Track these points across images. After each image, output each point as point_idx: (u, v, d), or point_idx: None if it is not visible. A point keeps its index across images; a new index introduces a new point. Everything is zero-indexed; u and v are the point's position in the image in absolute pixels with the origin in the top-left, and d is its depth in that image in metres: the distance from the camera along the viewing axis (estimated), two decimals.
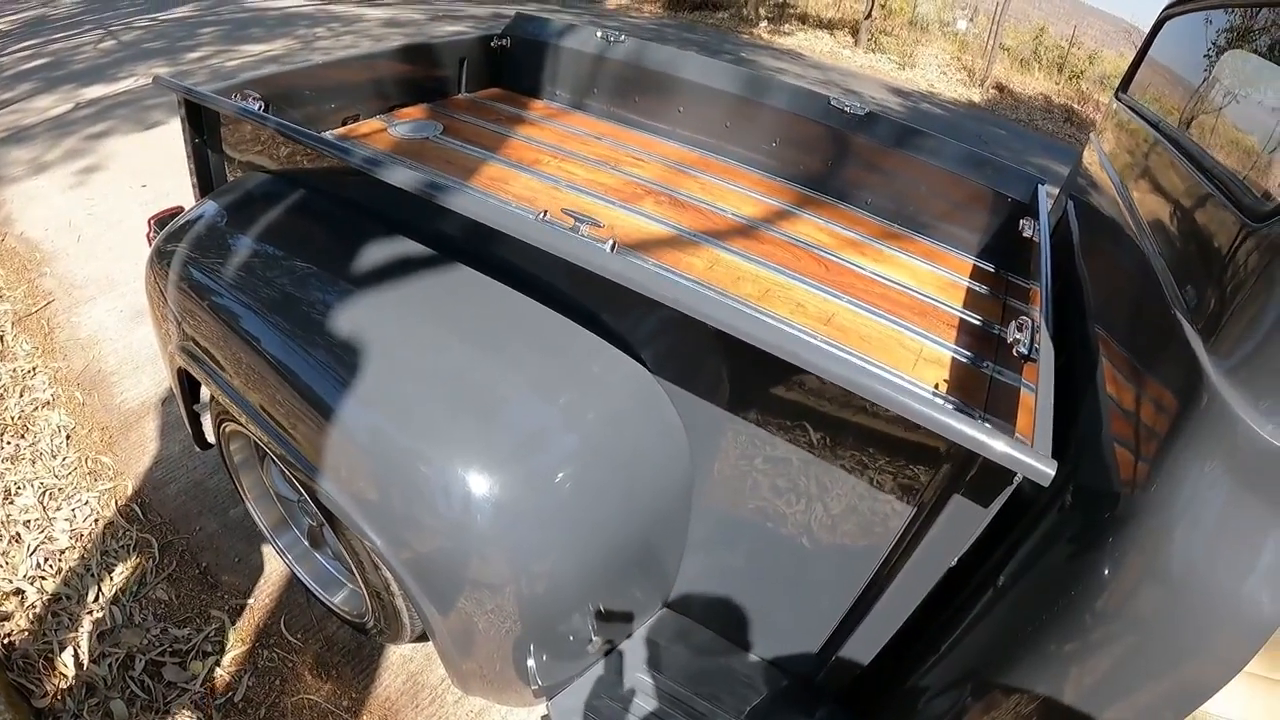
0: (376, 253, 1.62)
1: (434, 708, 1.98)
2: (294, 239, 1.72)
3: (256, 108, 1.86)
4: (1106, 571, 0.95)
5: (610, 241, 1.43)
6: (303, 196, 1.81)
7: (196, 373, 1.72)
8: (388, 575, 1.54)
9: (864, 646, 1.47)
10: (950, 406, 1.60)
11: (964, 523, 1.19)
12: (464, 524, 1.27)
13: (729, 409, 1.40)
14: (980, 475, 1.13)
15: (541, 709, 1.59)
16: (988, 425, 1.05)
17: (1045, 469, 1.00)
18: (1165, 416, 0.97)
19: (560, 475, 1.33)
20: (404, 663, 2.08)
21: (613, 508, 1.39)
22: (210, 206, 1.86)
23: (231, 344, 1.59)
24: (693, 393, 1.43)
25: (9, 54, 6.98)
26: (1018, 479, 1.08)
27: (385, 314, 1.49)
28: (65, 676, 1.94)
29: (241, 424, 1.68)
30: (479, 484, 1.26)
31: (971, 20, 15.03)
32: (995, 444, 1.03)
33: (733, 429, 1.41)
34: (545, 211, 1.52)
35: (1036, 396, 1.19)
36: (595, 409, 1.40)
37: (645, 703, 1.59)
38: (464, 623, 1.38)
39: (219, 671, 2.01)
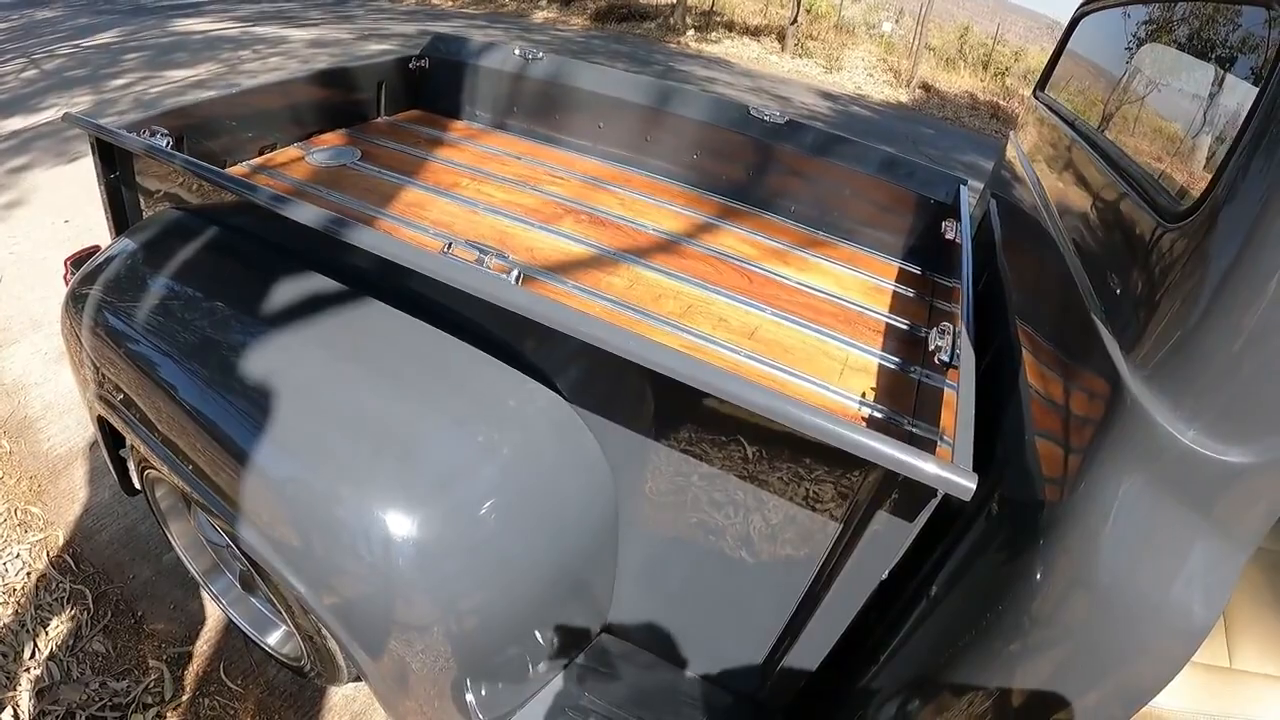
0: (290, 291, 1.60)
1: None
2: (208, 279, 1.69)
3: (165, 143, 1.83)
4: (1038, 577, 0.95)
5: (515, 273, 1.43)
6: (217, 233, 1.77)
7: (114, 420, 1.69)
8: (316, 620, 1.52)
9: (804, 661, 1.48)
10: (878, 414, 1.64)
11: (892, 537, 1.20)
12: (386, 566, 1.26)
13: (648, 434, 1.40)
14: (903, 490, 1.14)
15: None
16: (904, 444, 1.05)
17: (966, 483, 1.00)
18: (1086, 422, 0.97)
19: (481, 510, 1.32)
20: (346, 703, 2.06)
21: (537, 539, 1.39)
22: (124, 246, 1.81)
23: (147, 390, 1.56)
24: (611, 419, 1.43)
25: None
26: (941, 493, 1.08)
27: (300, 354, 1.47)
28: None
29: (161, 472, 1.65)
30: (399, 525, 1.25)
31: (897, 22, 15.30)
32: (913, 461, 1.03)
33: (654, 453, 1.41)
34: (450, 245, 1.51)
35: (957, 407, 1.20)
36: (513, 441, 1.40)
37: None
38: (396, 664, 1.37)
39: None
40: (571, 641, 1.65)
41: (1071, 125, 1.79)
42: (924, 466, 1.03)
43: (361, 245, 1.39)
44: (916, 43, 12.38)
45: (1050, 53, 2.57)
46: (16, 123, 5.97)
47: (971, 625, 1.08)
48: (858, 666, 1.45)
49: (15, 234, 4.32)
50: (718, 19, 15.02)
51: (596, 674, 1.68)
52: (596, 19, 14.39)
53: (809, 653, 1.45)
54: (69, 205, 4.64)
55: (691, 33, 13.80)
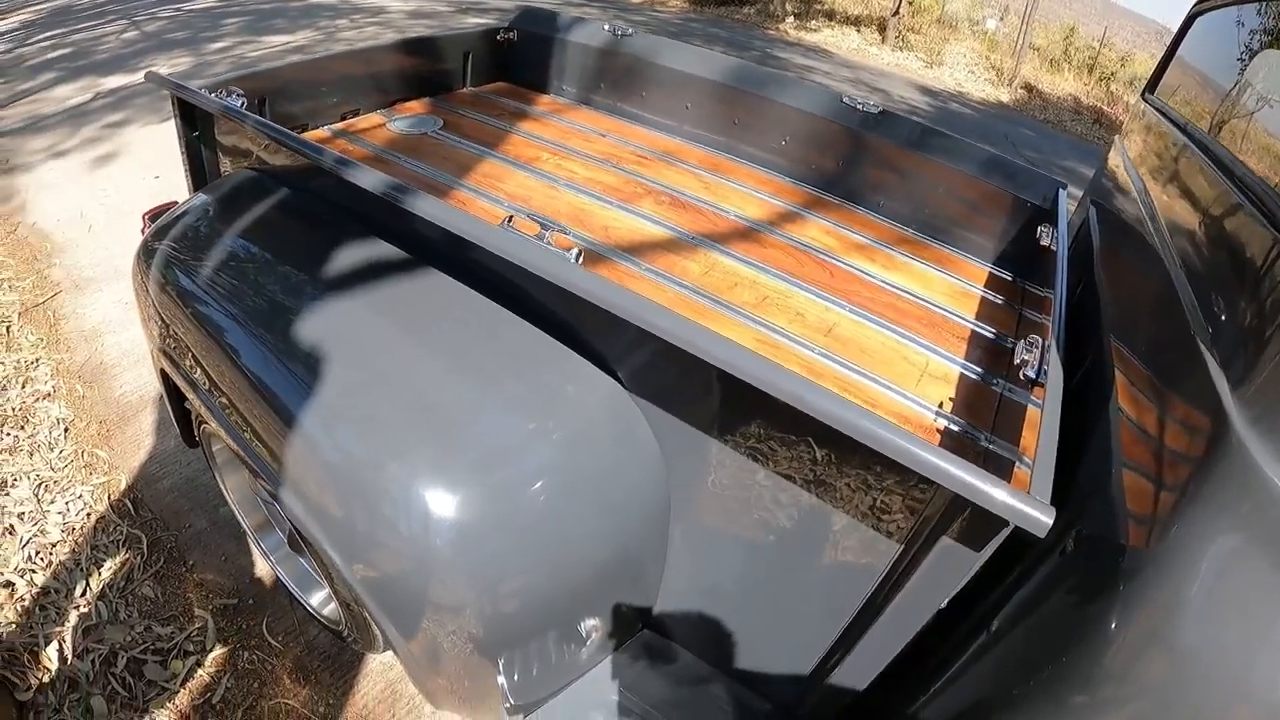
0: (352, 256, 1.57)
1: (410, 718, 1.95)
2: (274, 240, 1.68)
3: (240, 104, 1.83)
4: (1113, 627, 0.85)
5: (576, 251, 1.36)
6: (287, 195, 1.77)
7: (171, 372, 1.69)
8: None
9: (849, 682, 1.39)
10: (955, 427, 1.54)
11: (954, 565, 1.10)
12: (424, 544, 1.21)
13: (707, 430, 1.33)
14: (973, 516, 1.04)
15: None
16: (978, 468, 0.95)
17: (1042, 518, 0.90)
18: (1183, 461, 0.86)
19: (527, 494, 1.27)
20: (384, 670, 2.05)
21: (583, 528, 1.34)
22: (197, 203, 1.84)
23: (204, 347, 1.56)
24: (670, 412, 1.37)
25: (33, 43, 7.03)
26: (1013, 525, 0.98)
27: (357, 322, 1.44)
28: (49, 671, 1.93)
29: (214, 429, 1.65)
30: (441, 503, 1.20)
31: (1001, 19, 14.78)
32: (985, 488, 0.93)
33: (711, 451, 1.34)
34: (510, 218, 1.45)
35: (1040, 430, 1.09)
36: (567, 426, 1.34)
37: None
38: (428, 642, 1.34)
39: (199, 671, 1.98)
40: (611, 635, 1.59)
41: (1184, 130, 1.67)
42: (997, 495, 0.92)
43: (419, 213, 1.35)
44: (1020, 41, 11.93)
45: (1161, 54, 2.48)
46: (116, 81, 6.16)
47: (1034, 670, 0.97)
48: (907, 694, 1.35)
49: (107, 187, 4.46)
50: (818, 6, 14.72)
51: (633, 669, 1.62)
52: (695, 1, 14.22)
53: (857, 673, 1.36)
54: (161, 162, 4.77)
55: (791, 20, 13.54)
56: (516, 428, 1.32)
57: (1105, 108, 11.24)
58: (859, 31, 13.46)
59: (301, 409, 1.33)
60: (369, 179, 1.42)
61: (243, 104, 1.83)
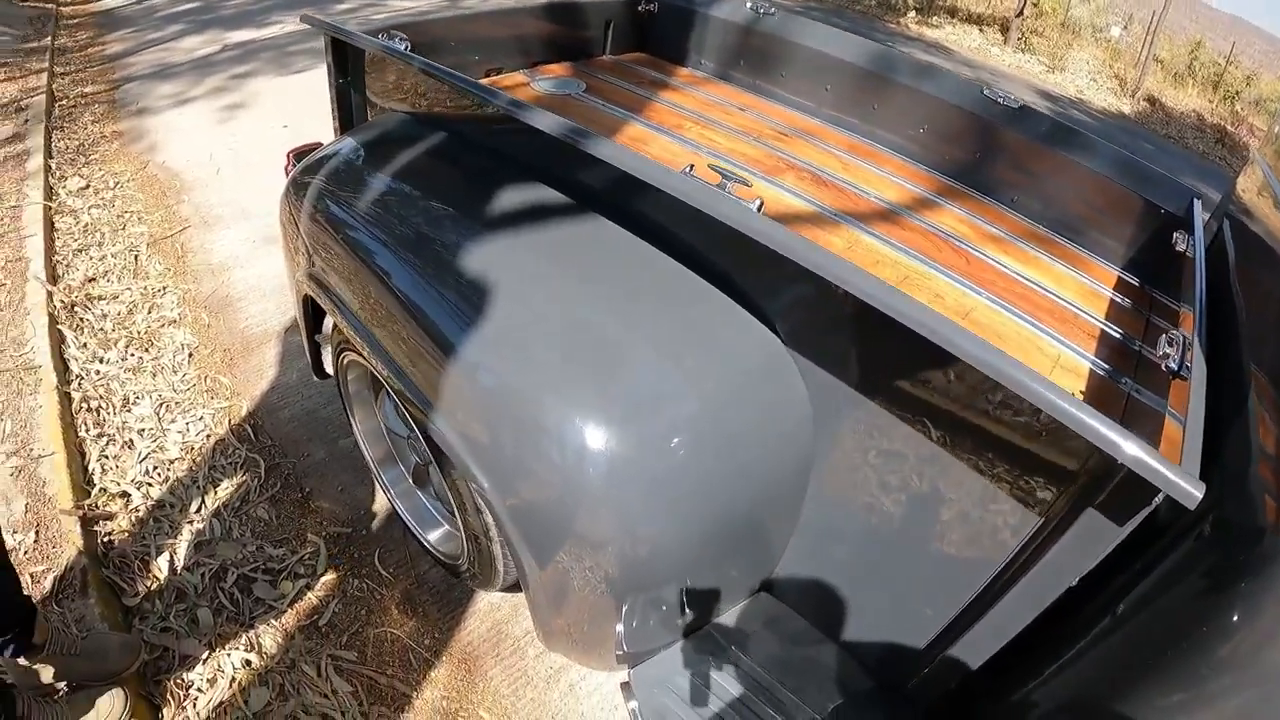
0: (511, 198, 1.60)
1: (514, 659, 1.98)
2: (428, 179, 1.72)
3: (404, 47, 1.88)
4: (1235, 619, 0.85)
5: (758, 201, 1.37)
6: (440, 139, 1.81)
7: (322, 301, 1.75)
8: (489, 520, 1.53)
9: (962, 661, 1.38)
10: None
11: (1093, 540, 1.09)
12: (574, 476, 1.24)
13: (860, 390, 1.33)
14: (1118, 490, 1.03)
15: (622, 675, 1.57)
16: (1133, 435, 0.95)
17: (1192, 490, 0.89)
18: None
19: (677, 440, 1.28)
20: (491, 610, 2.08)
21: (726, 480, 1.34)
22: (348, 143, 1.89)
23: (359, 275, 1.61)
24: (825, 369, 1.36)
25: None
26: (1159, 498, 0.97)
27: (516, 259, 1.47)
28: (158, 580, 2.01)
29: (361, 355, 1.70)
30: (594, 438, 1.23)
31: (1125, 28, 14.19)
32: (1144, 456, 0.92)
33: (862, 412, 1.34)
34: (691, 166, 1.46)
35: (1186, 415, 1.07)
36: (721, 375, 1.35)
37: (728, 685, 1.54)
38: (559, 577, 1.36)
39: (308, 594, 2.05)
40: (730, 592, 1.60)
41: None
42: (1150, 461, 0.91)
43: (605, 158, 1.37)
44: (1145, 52, 11.45)
45: None
46: (244, 34, 6.38)
47: (1154, 655, 0.97)
48: (1017, 677, 1.33)
49: (236, 133, 4.63)
50: (940, 3, 14.33)
51: (745, 629, 1.63)
52: None
53: (971, 652, 1.35)
54: (288, 112, 4.93)
55: (912, 14, 13.18)
56: (673, 375, 1.33)
57: (1229, 127, 10.71)
58: (981, 31, 13.06)
59: (461, 339, 1.36)
60: (554, 123, 1.44)
61: (406, 47, 1.88)
